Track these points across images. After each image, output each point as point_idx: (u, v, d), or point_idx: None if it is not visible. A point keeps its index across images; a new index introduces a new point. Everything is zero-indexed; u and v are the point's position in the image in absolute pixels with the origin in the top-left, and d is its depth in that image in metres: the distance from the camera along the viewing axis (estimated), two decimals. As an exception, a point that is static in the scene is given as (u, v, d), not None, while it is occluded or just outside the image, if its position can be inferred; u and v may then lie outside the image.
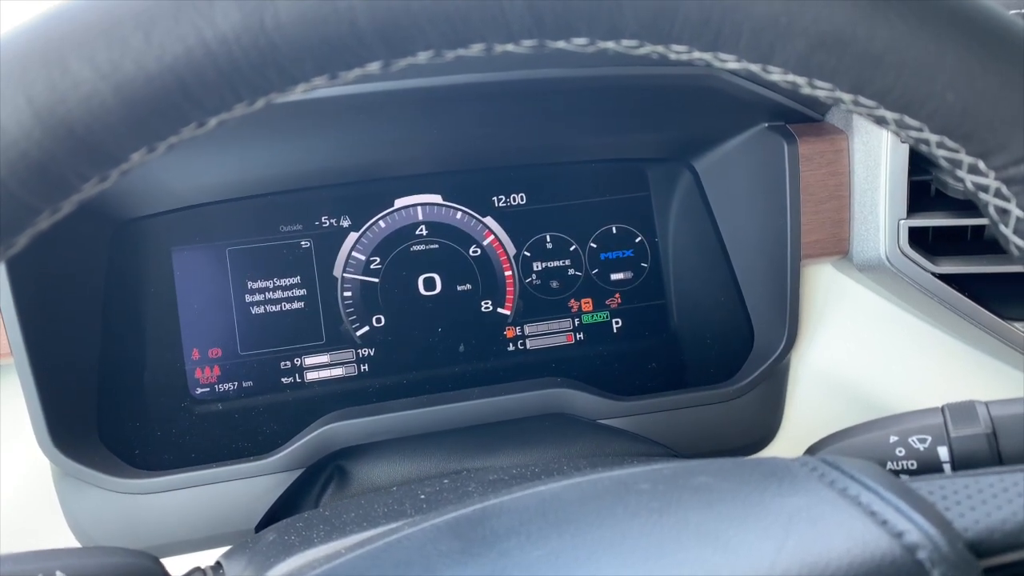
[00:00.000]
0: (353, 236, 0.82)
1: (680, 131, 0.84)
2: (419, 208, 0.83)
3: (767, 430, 0.81)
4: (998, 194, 0.30)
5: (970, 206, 0.71)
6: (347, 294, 0.82)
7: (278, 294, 0.81)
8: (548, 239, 0.85)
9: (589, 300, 0.86)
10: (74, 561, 0.42)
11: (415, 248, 0.83)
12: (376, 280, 0.82)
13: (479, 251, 0.84)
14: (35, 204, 0.26)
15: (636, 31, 0.28)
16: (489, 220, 0.84)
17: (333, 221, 0.82)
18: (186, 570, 0.50)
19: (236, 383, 0.80)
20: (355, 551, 0.39)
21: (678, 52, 0.28)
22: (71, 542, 0.71)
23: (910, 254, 0.73)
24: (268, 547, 0.50)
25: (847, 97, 0.29)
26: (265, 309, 0.80)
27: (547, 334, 0.85)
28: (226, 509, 0.69)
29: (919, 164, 0.73)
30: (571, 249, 0.86)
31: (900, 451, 0.48)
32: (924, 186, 0.74)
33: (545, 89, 0.73)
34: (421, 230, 0.83)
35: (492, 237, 0.84)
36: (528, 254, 0.85)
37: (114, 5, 0.25)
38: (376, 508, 0.53)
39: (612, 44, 0.28)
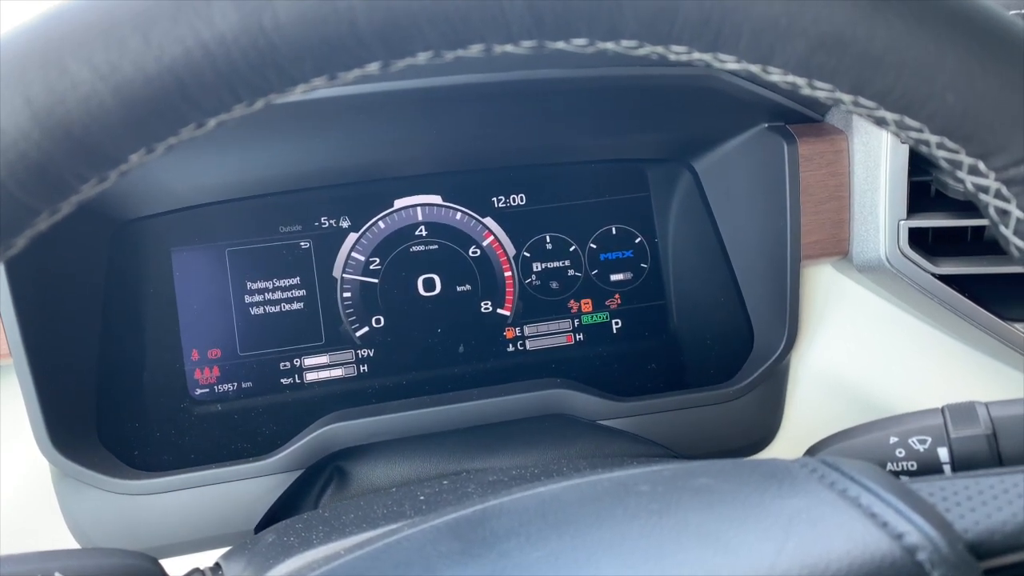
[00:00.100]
0: (353, 237, 0.82)
1: (680, 131, 0.84)
2: (419, 209, 0.83)
3: (767, 431, 0.81)
4: (998, 195, 0.30)
5: (970, 207, 0.71)
6: (347, 295, 0.82)
7: (277, 295, 0.81)
8: (548, 240, 0.85)
9: (589, 301, 0.86)
10: (72, 562, 0.42)
11: (415, 249, 0.83)
12: (376, 281, 0.82)
13: (479, 252, 0.84)
14: (34, 205, 0.26)
15: (636, 32, 0.28)
16: (489, 221, 0.84)
17: (333, 222, 0.82)
18: (185, 571, 0.50)
19: (235, 384, 0.80)
20: (354, 552, 0.39)
21: (678, 53, 0.28)
22: (70, 543, 0.71)
23: (910, 255, 0.73)
24: (267, 548, 0.50)
25: (847, 98, 0.29)
26: (264, 310, 0.80)
27: (547, 335, 0.85)
28: (225, 510, 0.69)
29: (919, 165, 0.73)
30: (571, 250, 0.86)
31: (900, 452, 0.48)
32: (924, 187, 0.74)
33: (545, 89, 0.73)
34: (421, 231, 0.83)
35: (492, 238, 0.84)
36: (528, 255, 0.85)
37: (112, 6, 0.25)
38: (375, 509, 0.53)
39: (612, 45, 0.28)
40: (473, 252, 0.84)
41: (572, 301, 0.85)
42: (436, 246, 0.83)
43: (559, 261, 0.85)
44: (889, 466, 0.48)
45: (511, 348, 0.84)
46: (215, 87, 0.26)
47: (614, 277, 0.86)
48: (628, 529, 0.32)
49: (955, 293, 0.73)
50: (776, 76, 0.29)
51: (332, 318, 0.81)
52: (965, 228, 0.75)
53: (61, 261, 0.70)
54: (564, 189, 0.86)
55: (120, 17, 0.25)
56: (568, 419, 0.73)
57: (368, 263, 0.82)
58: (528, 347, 0.84)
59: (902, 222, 0.73)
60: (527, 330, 0.85)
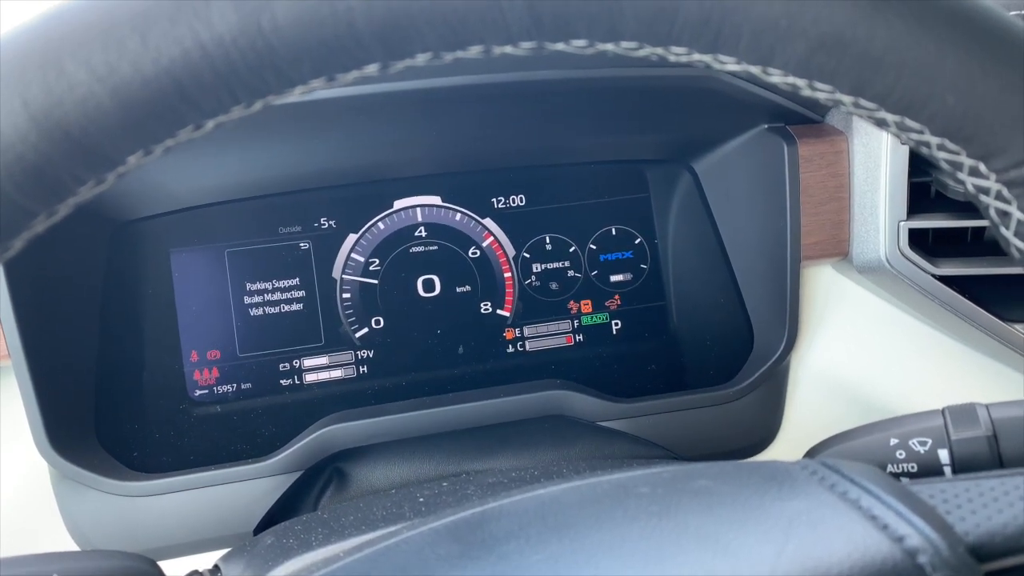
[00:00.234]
0: (352, 238, 0.82)
1: (680, 132, 0.83)
2: (418, 210, 0.83)
3: (767, 432, 0.81)
4: (999, 196, 0.30)
5: (970, 207, 0.71)
6: (346, 296, 0.82)
7: (277, 296, 0.81)
8: (547, 240, 0.85)
9: (588, 302, 0.86)
10: (70, 564, 0.42)
11: (414, 250, 0.83)
12: (375, 282, 0.82)
13: (478, 252, 0.84)
14: (31, 207, 0.26)
15: (635, 33, 0.28)
16: (488, 221, 0.84)
17: (332, 223, 0.82)
18: (184, 573, 0.50)
19: (235, 385, 0.79)
20: (353, 554, 0.39)
21: (677, 54, 0.28)
22: (69, 545, 0.71)
23: (910, 256, 0.73)
24: (266, 550, 0.50)
25: (847, 99, 0.29)
26: (264, 311, 0.80)
27: (546, 336, 0.85)
28: (224, 512, 0.68)
29: (919, 165, 0.73)
30: (570, 250, 0.85)
31: (900, 454, 0.48)
32: (924, 188, 0.74)
33: (544, 90, 0.73)
34: (420, 232, 0.83)
35: (491, 239, 0.84)
36: (527, 255, 0.85)
37: (110, 7, 0.25)
38: (375, 511, 0.53)
39: (611, 46, 0.28)
40: (473, 253, 0.84)
41: (572, 302, 0.85)
42: (436, 247, 0.83)
43: (559, 262, 0.85)
44: (889, 468, 0.48)
45: (511, 349, 0.84)
46: (213, 89, 0.26)
47: (614, 278, 0.86)
48: (628, 531, 0.32)
49: (955, 294, 0.72)
50: (776, 77, 0.29)
51: (331, 319, 0.81)
52: (965, 229, 0.75)
53: (60, 262, 0.70)
54: (564, 190, 0.86)
55: (118, 18, 0.25)
56: (568, 420, 0.73)
57: (368, 264, 0.82)
58: (528, 348, 0.84)
59: (902, 223, 0.73)
60: (527, 331, 0.84)
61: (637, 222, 0.87)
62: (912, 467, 0.48)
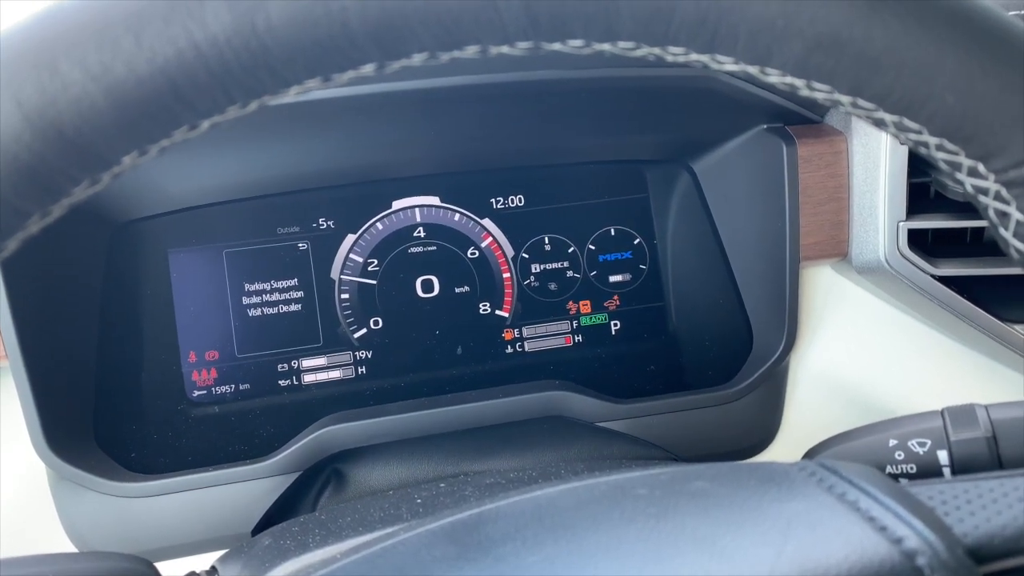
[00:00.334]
0: (351, 238, 0.82)
1: (679, 133, 0.83)
2: (417, 210, 0.83)
3: (766, 433, 0.81)
4: (998, 197, 0.30)
5: (969, 208, 0.70)
6: (344, 296, 0.81)
7: (275, 296, 0.80)
8: (546, 241, 0.85)
9: (587, 302, 0.85)
10: (68, 566, 0.42)
11: (413, 250, 0.83)
12: (374, 282, 0.82)
13: (477, 253, 0.84)
14: (25, 208, 0.26)
15: (632, 33, 0.27)
16: (487, 222, 0.84)
17: (330, 223, 0.82)
18: (181, 574, 0.50)
19: (233, 385, 0.79)
20: (351, 556, 0.39)
21: (675, 54, 0.28)
22: (67, 546, 0.71)
23: (909, 256, 0.72)
24: (264, 551, 0.50)
25: (846, 99, 0.29)
26: (262, 311, 0.80)
27: (545, 336, 0.85)
28: (223, 513, 0.68)
29: (918, 166, 0.72)
30: (569, 251, 0.85)
31: (899, 455, 0.48)
32: (923, 188, 0.74)
33: (543, 91, 0.73)
34: (419, 232, 0.83)
35: (490, 239, 0.84)
36: (526, 256, 0.85)
37: (104, 7, 0.25)
38: (372, 512, 0.53)
39: (608, 46, 0.28)
40: (471, 253, 0.84)
41: (571, 302, 0.85)
42: (434, 247, 0.83)
43: (558, 262, 0.85)
44: (888, 469, 0.48)
45: (509, 350, 0.84)
46: (208, 88, 0.26)
47: (613, 278, 0.86)
48: (625, 533, 0.32)
49: (954, 294, 0.72)
50: (774, 77, 0.29)
51: (330, 320, 0.81)
52: (964, 229, 0.75)
53: (58, 263, 0.70)
54: (563, 190, 0.85)
55: (112, 18, 0.25)
56: (567, 421, 0.73)
57: (366, 264, 0.82)
58: (527, 349, 0.84)
59: (901, 223, 0.73)
60: (526, 331, 0.84)
61: (636, 222, 0.87)
62: (911, 468, 0.48)
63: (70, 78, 0.24)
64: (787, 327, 0.77)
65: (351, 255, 0.82)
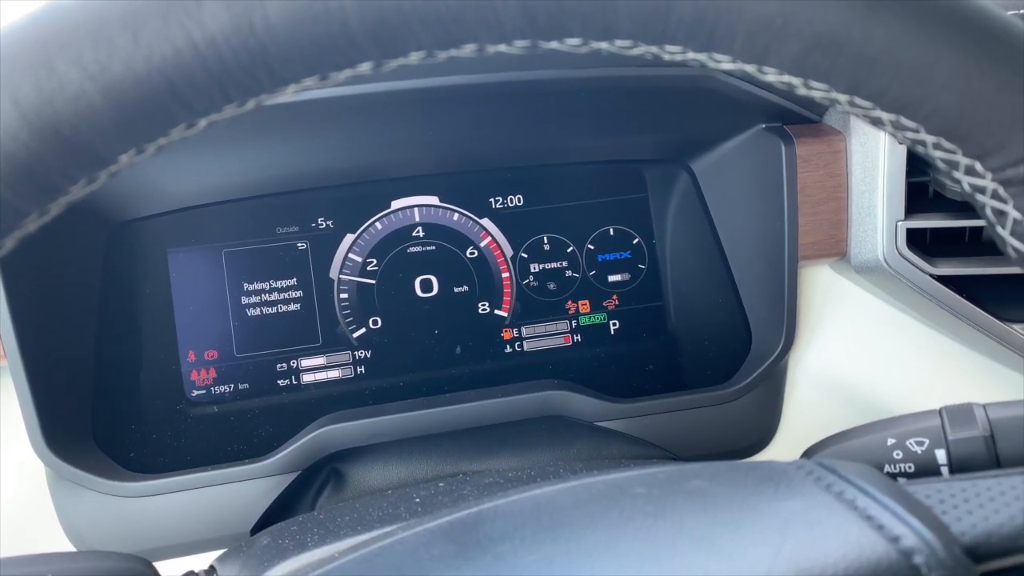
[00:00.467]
0: (350, 238, 0.82)
1: (677, 132, 0.83)
2: (416, 210, 0.83)
3: (765, 432, 0.81)
4: (995, 196, 0.30)
5: (968, 207, 0.70)
6: (343, 296, 0.81)
7: (274, 296, 0.80)
8: (545, 241, 0.85)
9: (586, 302, 0.85)
10: (66, 565, 0.42)
11: (412, 250, 0.83)
12: (373, 282, 0.82)
13: (476, 253, 0.84)
14: (22, 206, 0.26)
15: (630, 32, 0.27)
16: (486, 222, 0.84)
17: (329, 223, 0.82)
18: (180, 574, 0.50)
19: (232, 385, 0.79)
20: (349, 555, 0.39)
21: (672, 53, 0.28)
22: (66, 545, 0.71)
23: (908, 256, 0.72)
24: (262, 550, 0.50)
25: (843, 98, 0.29)
26: (261, 311, 0.80)
27: (544, 336, 0.85)
28: (222, 512, 0.68)
29: (917, 165, 0.72)
30: (568, 251, 0.85)
31: (898, 454, 0.48)
32: (922, 187, 0.74)
33: (542, 90, 0.73)
34: (418, 232, 0.83)
35: (489, 239, 0.84)
36: (525, 256, 0.85)
37: (101, 6, 0.25)
38: (371, 511, 0.53)
39: (606, 45, 0.28)
40: (470, 253, 0.84)
41: (570, 302, 0.85)
42: (433, 247, 0.83)
43: (557, 262, 0.85)
44: (886, 468, 0.48)
45: (508, 349, 0.84)
46: (205, 87, 0.26)
47: (612, 278, 0.86)
48: (623, 532, 0.32)
49: (953, 294, 0.72)
50: (771, 76, 0.29)
51: (329, 319, 0.81)
52: (963, 229, 0.75)
53: (57, 262, 0.70)
54: (562, 190, 0.85)
55: (109, 17, 0.25)
56: (566, 421, 0.73)
57: (365, 264, 0.82)
58: (526, 348, 0.84)
59: (900, 223, 0.73)
60: (525, 331, 0.84)
61: (635, 222, 0.87)
62: (909, 467, 0.48)
63: (67, 77, 0.24)
64: (786, 326, 0.77)
65: (350, 255, 0.82)
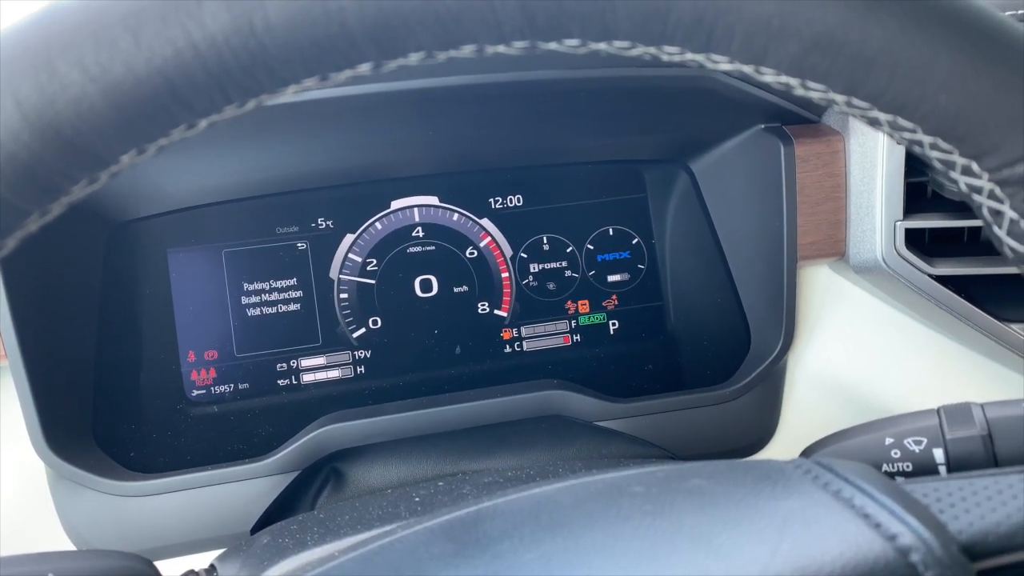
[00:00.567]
0: (349, 238, 0.82)
1: (677, 133, 0.84)
2: (415, 210, 0.83)
3: (764, 432, 0.81)
4: (992, 196, 0.30)
5: (966, 207, 0.70)
6: (343, 296, 0.82)
7: (274, 296, 0.81)
8: (545, 241, 0.85)
9: (586, 302, 0.86)
10: (66, 564, 0.42)
11: (411, 250, 0.83)
12: (372, 282, 0.82)
13: (476, 253, 0.84)
14: (24, 207, 0.26)
15: (628, 32, 0.28)
16: (486, 222, 0.84)
17: (329, 223, 0.82)
18: (180, 573, 0.50)
19: (232, 385, 0.79)
20: (348, 553, 0.39)
21: (670, 53, 0.28)
22: (66, 545, 0.71)
23: (906, 256, 0.73)
24: (262, 550, 0.50)
25: (840, 98, 0.29)
26: (261, 311, 0.80)
27: (544, 336, 0.85)
28: (222, 512, 0.68)
29: (915, 165, 0.73)
30: (568, 251, 0.85)
31: (896, 453, 0.48)
32: (920, 187, 0.74)
33: (542, 91, 0.73)
34: (418, 232, 0.83)
35: (489, 239, 0.84)
36: (525, 256, 0.85)
37: (102, 7, 0.25)
38: (371, 510, 0.53)
39: (604, 45, 0.28)
40: (470, 253, 0.84)
41: (569, 302, 0.85)
42: (433, 247, 0.83)
43: (556, 262, 0.85)
44: (884, 467, 0.48)
45: (508, 349, 0.84)
46: (206, 88, 0.26)
47: (611, 278, 0.86)
48: (621, 530, 0.32)
49: (951, 294, 0.73)
50: (769, 77, 0.29)
51: (329, 319, 0.81)
52: (961, 229, 0.75)
53: (57, 262, 0.70)
54: (561, 190, 0.86)
55: (110, 18, 0.25)
56: (565, 420, 0.73)
57: (365, 264, 0.82)
58: (525, 348, 0.84)
59: (898, 223, 0.73)
60: (524, 331, 0.84)
61: (634, 222, 0.87)
62: (907, 466, 0.48)
63: (68, 78, 0.25)
64: (785, 326, 0.77)
65: (350, 255, 0.82)
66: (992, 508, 0.31)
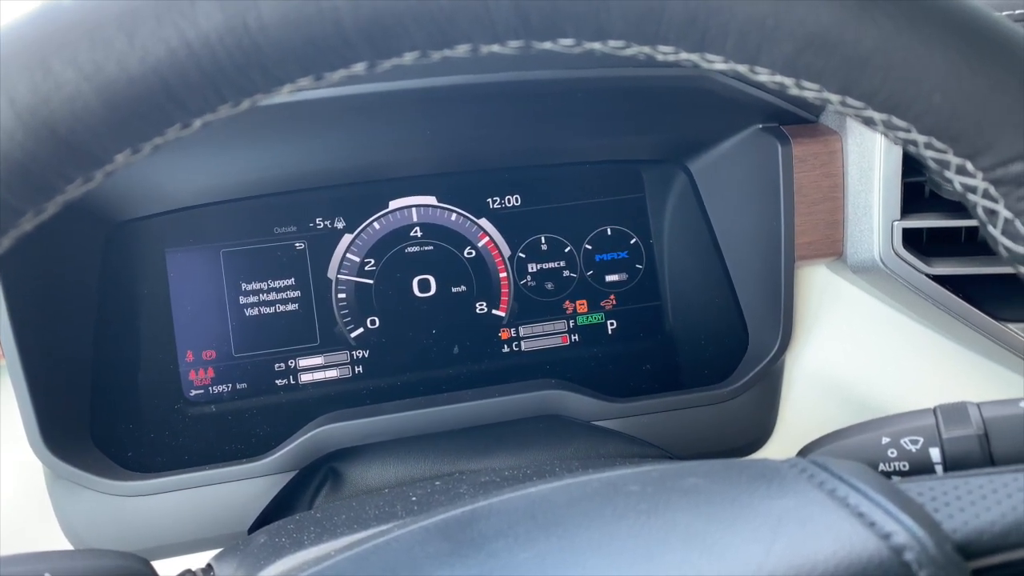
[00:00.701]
0: (347, 238, 0.82)
1: (674, 133, 0.84)
2: (414, 210, 0.83)
3: (762, 431, 0.81)
4: (986, 195, 0.30)
5: (964, 207, 0.70)
6: (341, 296, 0.82)
7: (272, 296, 0.81)
8: (543, 241, 0.85)
9: (584, 302, 0.86)
10: (63, 563, 0.42)
11: (410, 250, 0.83)
12: (370, 282, 0.82)
13: (474, 253, 0.84)
14: (18, 206, 0.26)
15: (622, 32, 0.28)
16: (484, 221, 0.84)
17: (327, 223, 0.82)
18: (177, 572, 0.50)
19: (230, 385, 0.79)
20: (344, 553, 0.39)
21: (665, 53, 0.28)
22: (64, 544, 0.71)
23: (904, 255, 0.73)
24: (259, 549, 0.50)
25: (835, 98, 0.29)
26: (259, 311, 0.80)
27: (542, 336, 0.85)
28: (219, 511, 0.68)
29: (913, 165, 0.73)
30: (566, 251, 0.86)
31: (892, 452, 0.48)
32: (918, 187, 0.74)
33: (540, 91, 0.73)
34: (416, 232, 0.83)
35: (487, 239, 0.84)
36: (523, 255, 0.85)
37: (97, 6, 0.25)
38: (367, 510, 0.53)
39: (598, 45, 0.28)
40: (468, 253, 0.84)
41: (567, 302, 0.85)
42: (431, 247, 0.83)
43: (554, 262, 0.85)
44: (881, 466, 0.48)
45: (506, 349, 0.84)
46: (200, 87, 0.26)
47: (609, 278, 0.86)
48: (616, 529, 0.32)
49: (949, 293, 0.73)
50: (763, 76, 0.29)
51: (327, 319, 0.81)
52: (959, 228, 0.75)
53: (55, 262, 0.70)
54: (559, 190, 0.86)
55: (104, 17, 0.25)
56: (563, 420, 0.73)
57: (363, 264, 0.82)
58: (523, 348, 0.84)
59: (896, 223, 0.73)
60: (522, 331, 0.85)
61: (632, 222, 0.87)
62: (904, 466, 0.48)
63: (63, 77, 0.25)
64: (782, 326, 0.77)
65: (348, 255, 0.82)
66: (987, 507, 0.31)
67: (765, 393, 0.80)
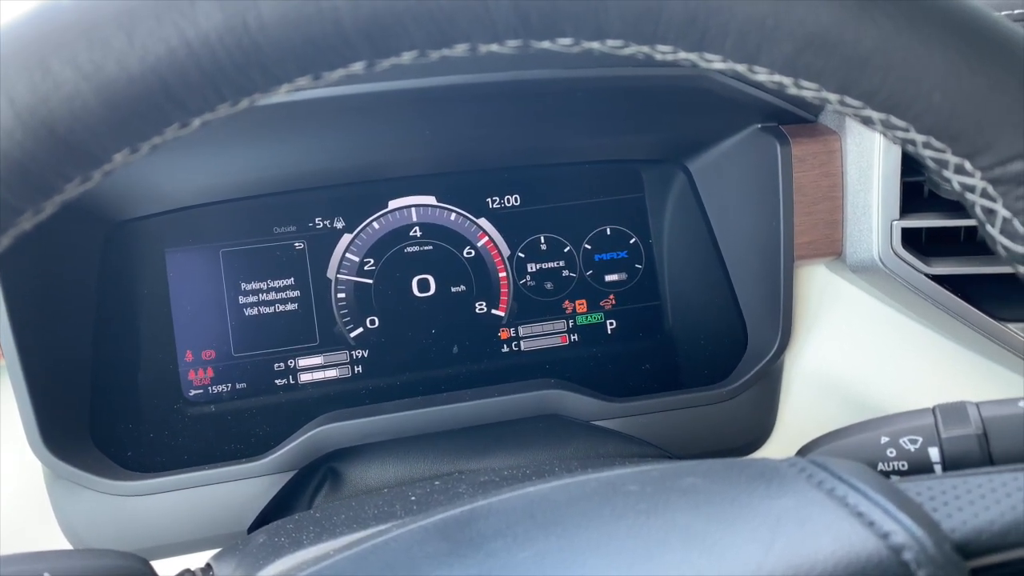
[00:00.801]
0: (347, 237, 0.82)
1: (674, 132, 0.84)
2: (413, 209, 0.83)
3: (761, 431, 0.81)
4: (984, 194, 0.30)
5: (963, 207, 0.70)
6: (341, 296, 0.82)
7: (272, 295, 0.81)
8: (542, 240, 0.85)
9: (583, 301, 0.86)
10: (62, 563, 0.42)
11: (409, 249, 0.83)
12: (370, 281, 0.82)
13: (473, 252, 0.84)
14: (17, 205, 0.26)
15: (621, 31, 0.28)
16: (483, 221, 0.84)
17: (327, 223, 0.82)
18: (176, 572, 0.50)
19: (229, 385, 0.79)
20: (343, 552, 0.39)
21: (663, 52, 0.28)
22: (63, 544, 0.71)
23: (903, 255, 0.73)
24: (258, 549, 0.50)
25: (833, 97, 0.29)
26: (259, 311, 0.80)
27: (541, 335, 0.85)
28: (219, 511, 0.68)
29: (912, 165, 0.73)
30: (565, 250, 0.86)
31: (891, 452, 0.48)
32: (917, 187, 0.74)
33: (539, 90, 0.73)
34: (415, 231, 0.83)
35: (486, 238, 0.84)
36: (522, 255, 0.85)
37: (96, 6, 0.25)
38: (366, 510, 0.53)
39: (597, 44, 0.28)
40: (467, 253, 0.84)
41: (567, 302, 0.85)
42: (430, 247, 0.83)
43: (554, 262, 0.85)
44: (880, 466, 0.48)
45: (505, 349, 0.84)
46: (199, 87, 0.26)
47: (609, 278, 0.86)
48: (615, 529, 0.32)
49: (948, 293, 0.73)
50: (762, 76, 0.29)
51: (326, 319, 0.81)
52: (958, 228, 0.75)
53: (55, 262, 0.70)
54: (558, 190, 0.86)
55: (104, 17, 0.25)
56: (562, 420, 0.73)
57: (362, 264, 0.82)
58: (523, 348, 0.84)
59: (895, 222, 0.73)
60: (522, 331, 0.85)
61: (632, 222, 0.87)
62: (903, 465, 0.48)
63: (62, 77, 0.25)
64: (782, 326, 0.77)
65: (347, 254, 0.82)
66: (986, 506, 0.31)
67: (764, 393, 0.80)
